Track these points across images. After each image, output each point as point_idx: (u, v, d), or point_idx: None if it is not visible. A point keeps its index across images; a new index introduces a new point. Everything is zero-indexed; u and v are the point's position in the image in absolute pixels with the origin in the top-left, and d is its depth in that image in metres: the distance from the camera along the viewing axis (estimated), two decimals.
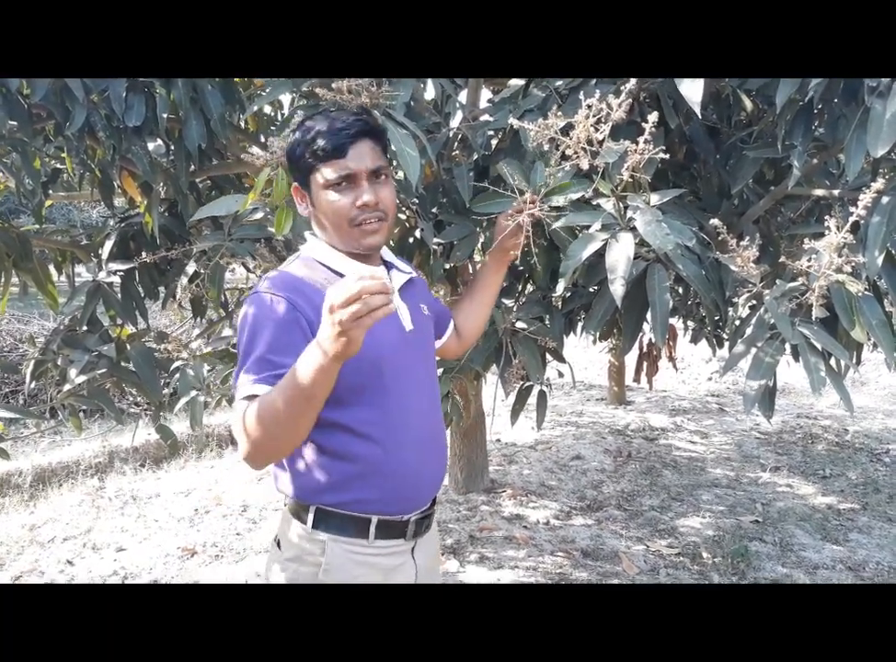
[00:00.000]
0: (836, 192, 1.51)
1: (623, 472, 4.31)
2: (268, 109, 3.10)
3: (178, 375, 2.04)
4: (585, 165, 1.21)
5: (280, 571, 1.19)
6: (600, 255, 1.35)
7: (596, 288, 1.76)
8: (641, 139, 1.17)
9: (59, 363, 2.35)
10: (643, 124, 1.23)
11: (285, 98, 2.84)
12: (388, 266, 1.32)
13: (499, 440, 4.93)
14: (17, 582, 2.91)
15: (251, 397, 1.05)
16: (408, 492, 1.22)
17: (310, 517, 1.17)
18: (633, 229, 1.30)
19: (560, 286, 1.36)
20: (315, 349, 0.95)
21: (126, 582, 2.90)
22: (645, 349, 2.59)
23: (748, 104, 1.71)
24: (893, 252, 1.39)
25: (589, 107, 1.21)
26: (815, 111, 1.41)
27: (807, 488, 4.07)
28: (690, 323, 2.67)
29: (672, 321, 2.62)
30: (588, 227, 1.35)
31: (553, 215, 1.26)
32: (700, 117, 1.19)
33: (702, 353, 6.99)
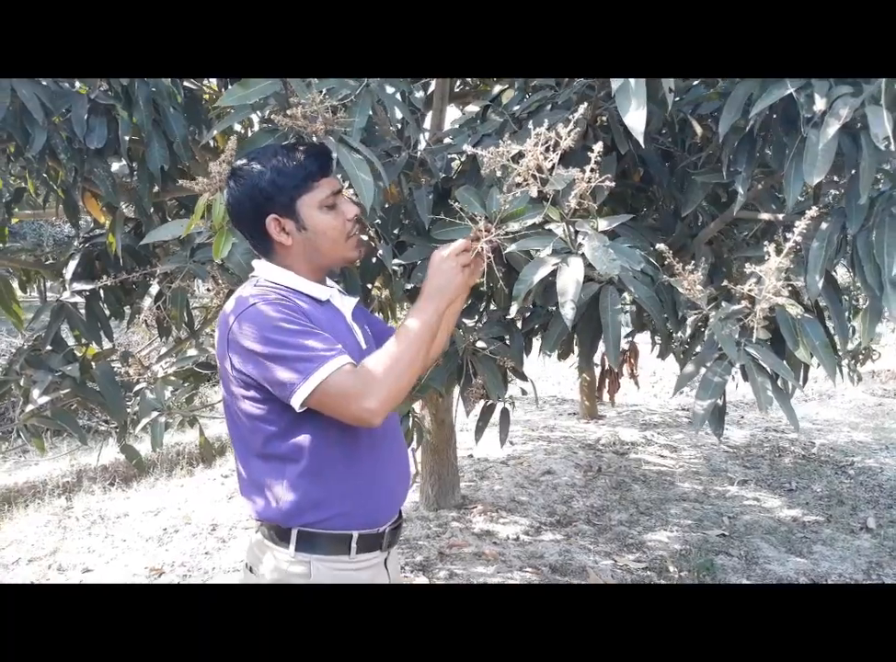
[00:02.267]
0: (780, 216, 1.56)
1: (593, 486, 4.34)
2: (238, 127, 3.11)
3: (138, 397, 2.03)
4: (534, 192, 1.24)
5: None
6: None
7: (553, 308, 1.80)
8: (588, 167, 1.20)
9: (22, 383, 2.34)
10: (595, 147, 1.28)
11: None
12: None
13: (471, 456, 4.95)
14: None
15: (344, 366, 1.10)
16: (384, 504, 1.27)
17: (293, 540, 1.19)
18: (583, 254, 1.34)
19: (513, 308, 1.39)
20: (433, 296, 1.19)
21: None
22: (606, 367, 2.63)
23: (698, 129, 1.76)
24: (833, 274, 1.44)
25: (538, 135, 1.24)
26: (758, 139, 1.46)
27: (773, 501, 4.13)
28: (658, 338, 2.71)
29: (642, 335, 2.68)
30: (539, 251, 1.38)
31: (509, 240, 1.29)
32: (643, 145, 1.23)
33: (673, 367, 7.08)
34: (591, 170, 1.20)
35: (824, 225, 1.39)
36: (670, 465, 4.83)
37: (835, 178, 1.55)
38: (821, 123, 1.23)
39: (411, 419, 1.80)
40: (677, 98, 1.82)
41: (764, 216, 1.61)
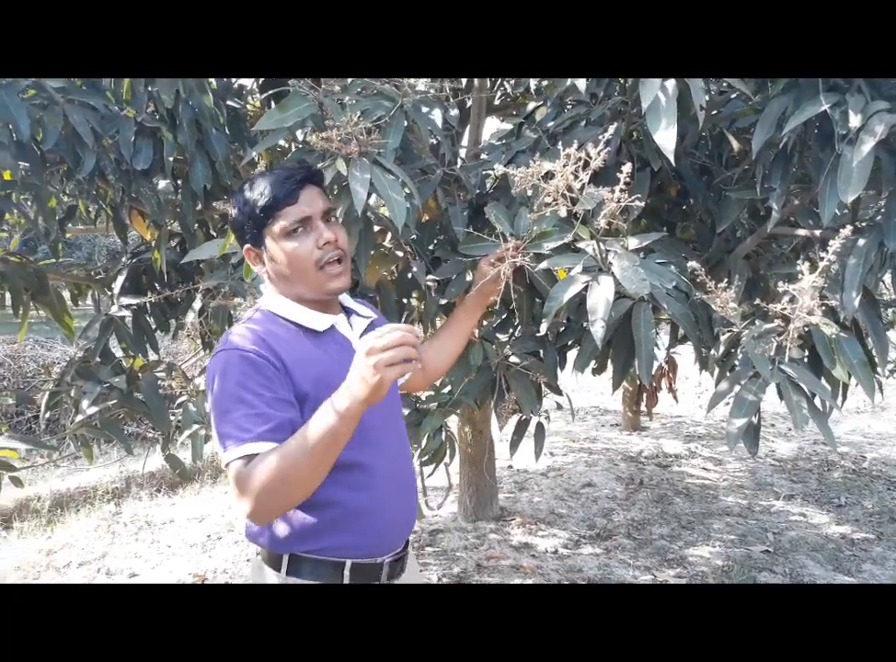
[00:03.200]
0: (818, 233, 1.54)
1: (634, 499, 4.29)
2: (283, 141, 3.17)
3: (181, 410, 2.10)
4: (563, 212, 1.25)
5: None
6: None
7: (587, 324, 1.80)
8: (617, 188, 1.21)
9: (72, 394, 2.43)
10: (624, 168, 1.28)
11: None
12: (348, 312, 1.33)
13: (510, 467, 4.94)
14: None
15: (250, 457, 1.04)
16: (381, 536, 1.22)
17: (284, 564, 1.17)
18: (613, 273, 1.34)
19: (543, 326, 1.40)
20: (344, 395, 0.99)
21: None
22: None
23: (735, 144, 1.75)
24: (871, 290, 1.41)
25: (568, 156, 1.25)
26: (793, 154, 1.44)
27: (821, 517, 4.02)
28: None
29: (685, 346, 2.65)
30: (570, 269, 1.39)
31: (535, 263, 1.30)
32: (673, 162, 1.23)
33: None
34: (621, 190, 1.21)
35: (861, 242, 1.37)
36: (714, 479, 4.75)
37: (874, 193, 1.53)
38: (856, 140, 1.22)
39: (444, 433, 1.82)
40: (714, 112, 1.81)
41: (801, 232, 1.59)
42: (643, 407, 2.68)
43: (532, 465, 4.96)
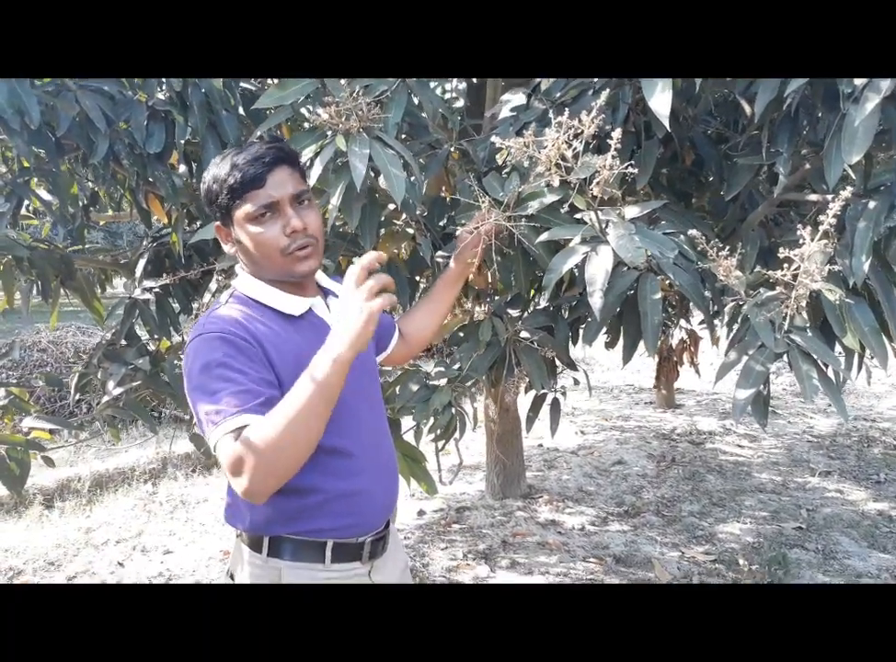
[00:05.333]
0: (830, 197, 1.49)
1: (665, 477, 4.25)
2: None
3: None
4: (556, 181, 1.23)
5: None
6: None
7: None
8: (609, 154, 1.19)
9: (99, 376, 2.49)
10: (634, 134, 1.25)
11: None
12: (326, 292, 1.30)
13: (540, 445, 4.93)
14: (71, 582, 3.07)
15: (239, 430, 1.02)
16: (363, 517, 1.22)
17: (265, 546, 1.17)
18: None
19: (543, 299, 1.39)
20: (332, 343, 1.00)
21: (170, 583, 3.04)
22: (666, 354, 2.56)
23: (748, 109, 1.70)
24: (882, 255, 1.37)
25: (560, 124, 1.23)
26: (800, 117, 1.40)
27: (858, 493, 3.94)
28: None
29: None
30: (569, 241, 1.37)
31: (521, 225, 1.29)
32: (668, 128, 1.20)
33: None
34: (613, 157, 1.18)
35: (872, 204, 1.32)
36: (748, 455, 4.67)
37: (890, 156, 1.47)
38: (860, 98, 1.17)
39: (454, 409, 1.82)
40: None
41: (812, 197, 1.54)
42: (663, 382, 2.64)
43: (562, 443, 4.94)
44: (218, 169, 1.16)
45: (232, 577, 1.25)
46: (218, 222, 1.21)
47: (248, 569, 1.20)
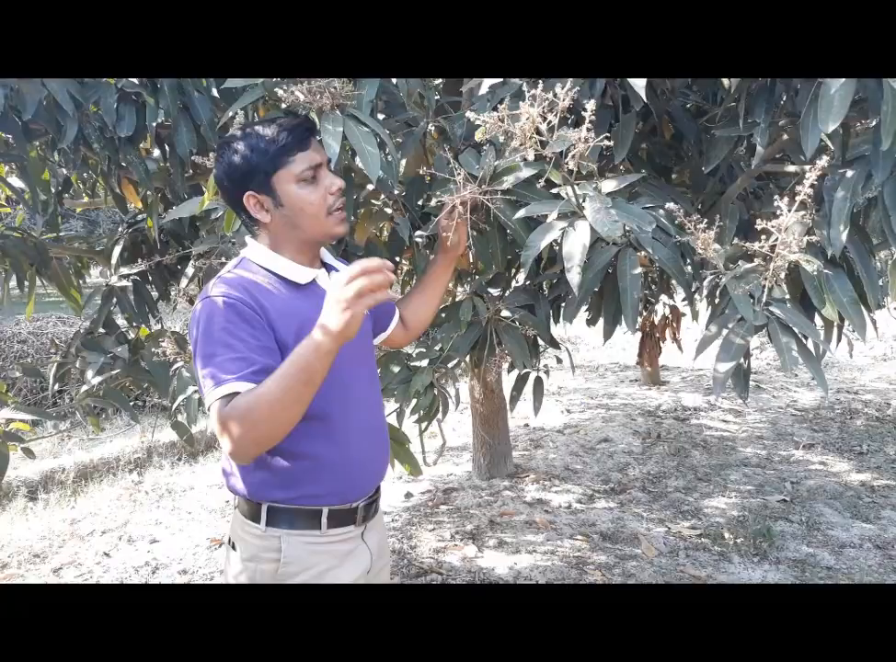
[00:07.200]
0: (808, 168, 1.48)
1: (650, 453, 4.28)
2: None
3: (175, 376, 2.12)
4: (531, 155, 1.22)
5: (240, 572, 1.23)
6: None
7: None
8: (583, 128, 1.17)
9: (78, 365, 2.46)
10: (612, 108, 1.23)
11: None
12: (328, 268, 1.34)
13: (527, 425, 4.94)
14: (56, 573, 3.05)
15: (231, 396, 1.07)
16: (356, 483, 1.27)
17: (263, 516, 1.21)
18: None
19: (521, 275, 1.38)
20: (318, 333, 1.03)
21: (156, 572, 3.02)
22: (648, 331, 2.56)
23: (726, 81, 1.68)
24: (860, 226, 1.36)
25: (533, 97, 1.21)
26: (775, 87, 1.38)
27: (841, 465, 3.98)
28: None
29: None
30: (546, 217, 1.36)
31: (505, 201, 1.27)
32: (645, 99, 1.18)
33: None
34: (588, 130, 1.17)
35: (850, 174, 1.32)
36: (733, 430, 4.71)
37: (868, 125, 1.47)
38: None
39: (436, 390, 1.81)
40: None
41: (791, 168, 1.53)
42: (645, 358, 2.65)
43: (548, 422, 4.96)
44: (255, 139, 1.19)
45: (233, 546, 1.27)
46: (251, 192, 1.21)
47: (249, 540, 1.23)
